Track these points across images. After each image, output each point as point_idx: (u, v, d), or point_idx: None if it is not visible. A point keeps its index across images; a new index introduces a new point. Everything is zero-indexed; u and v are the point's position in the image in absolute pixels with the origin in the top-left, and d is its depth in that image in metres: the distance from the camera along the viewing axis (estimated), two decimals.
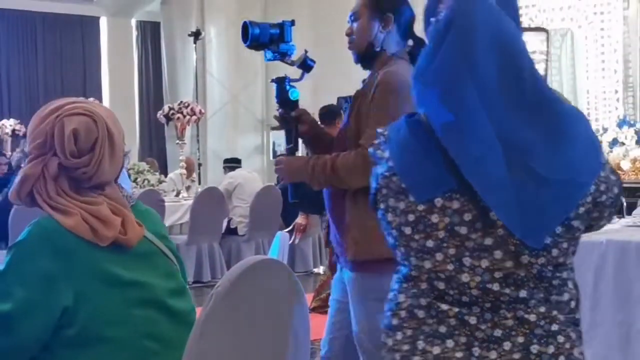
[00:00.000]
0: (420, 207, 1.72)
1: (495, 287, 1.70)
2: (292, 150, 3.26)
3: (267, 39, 3.22)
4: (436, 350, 1.73)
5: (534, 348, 1.71)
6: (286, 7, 15.70)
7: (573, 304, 1.76)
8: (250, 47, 3.24)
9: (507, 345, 1.71)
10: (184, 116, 9.41)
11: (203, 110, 10.09)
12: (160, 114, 9.74)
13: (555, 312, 1.73)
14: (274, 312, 1.94)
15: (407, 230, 1.74)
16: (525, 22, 10.03)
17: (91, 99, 2.17)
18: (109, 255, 2.02)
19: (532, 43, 9.29)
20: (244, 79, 14.79)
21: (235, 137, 14.42)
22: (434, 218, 1.71)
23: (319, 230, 7.77)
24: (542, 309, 1.72)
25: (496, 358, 1.70)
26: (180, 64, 14.32)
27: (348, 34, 3.19)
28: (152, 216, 2.23)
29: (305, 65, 3.28)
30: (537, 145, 1.68)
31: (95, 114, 2.11)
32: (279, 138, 15.60)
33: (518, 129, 1.68)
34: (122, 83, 15.57)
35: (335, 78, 14.43)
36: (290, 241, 8.01)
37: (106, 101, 14.79)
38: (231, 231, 9.01)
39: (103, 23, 15.48)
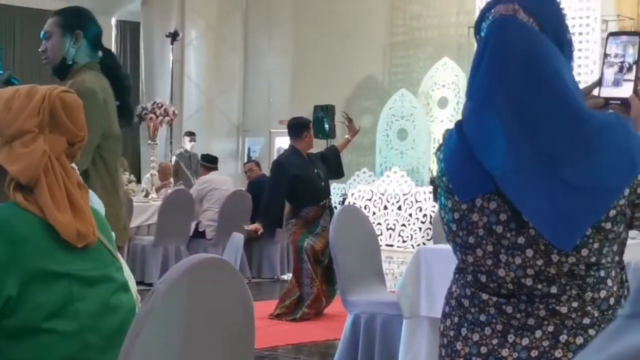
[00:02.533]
0: (464, 206, 1.88)
1: (529, 282, 1.84)
2: None
3: None
4: (475, 337, 1.90)
5: (563, 338, 1.83)
6: (266, 12, 15.68)
7: (612, 300, 1.85)
8: None
9: (538, 333, 1.84)
10: (157, 117, 9.32)
11: (177, 112, 10.00)
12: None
13: (589, 308, 1.84)
14: (217, 313, 1.90)
15: (454, 227, 1.92)
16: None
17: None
18: (59, 249, 1.98)
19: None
20: (221, 84, 14.74)
21: (209, 141, 14.36)
22: (475, 217, 1.87)
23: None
24: (575, 304, 1.84)
25: (528, 344, 1.84)
26: (159, 65, 14.25)
27: (43, 51, 3.61)
28: (96, 213, 2.20)
29: (10, 83, 3.64)
30: (568, 157, 1.80)
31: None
32: (255, 144, 15.57)
33: (550, 143, 1.80)
34: None
35: (313, 85, 14.42)
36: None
37: None
38: (199, 234, 8.97)
39: None
